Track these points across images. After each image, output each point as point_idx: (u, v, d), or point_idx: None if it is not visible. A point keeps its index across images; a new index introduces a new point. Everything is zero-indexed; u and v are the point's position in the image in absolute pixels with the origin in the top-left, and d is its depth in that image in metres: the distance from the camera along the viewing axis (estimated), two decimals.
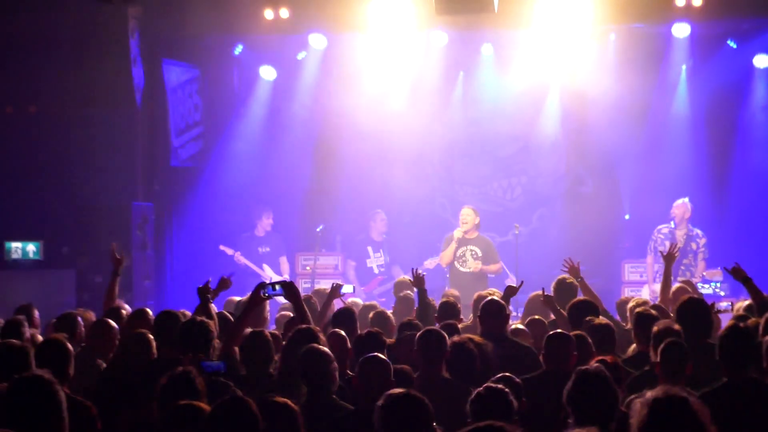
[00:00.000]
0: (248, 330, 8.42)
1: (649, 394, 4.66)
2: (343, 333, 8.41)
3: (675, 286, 12.28)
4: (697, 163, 17.36)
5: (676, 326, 8.26)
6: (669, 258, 11.63)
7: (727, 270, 10.24)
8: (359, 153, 18.16)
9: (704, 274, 15.26)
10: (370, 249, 17.04)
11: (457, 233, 15.72)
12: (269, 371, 7.91)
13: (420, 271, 10.90)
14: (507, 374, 6.82)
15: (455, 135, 18.47)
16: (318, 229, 16.78)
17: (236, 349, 8.17)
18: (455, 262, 15.68)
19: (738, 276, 10.00)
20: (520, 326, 9.99)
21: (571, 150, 18.02)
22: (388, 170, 18.32)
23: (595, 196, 17.93)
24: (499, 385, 6.21)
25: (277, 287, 8.54)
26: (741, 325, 7.54)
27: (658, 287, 12.83)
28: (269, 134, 18.15)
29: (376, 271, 16.88)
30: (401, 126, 18.01)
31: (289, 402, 5.98)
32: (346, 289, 11.67)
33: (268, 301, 9.37)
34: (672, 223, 15.63)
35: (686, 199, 15.67)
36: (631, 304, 10.63)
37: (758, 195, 17.19)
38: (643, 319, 9.04)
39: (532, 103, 17.97)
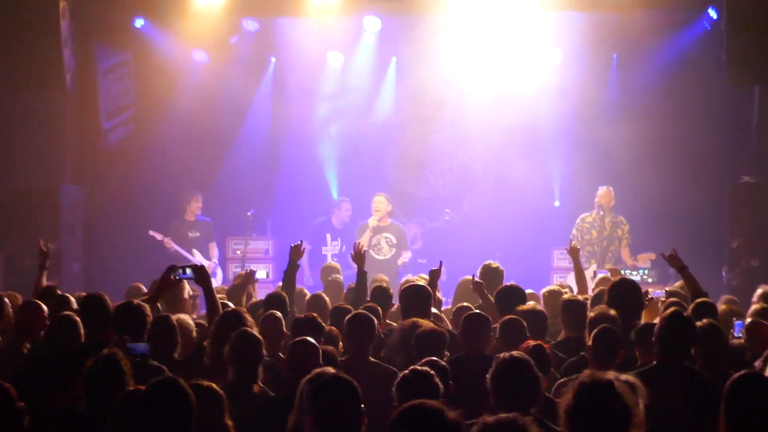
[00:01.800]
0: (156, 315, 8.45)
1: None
2: (279, 314, 8.45)
3: (600, 275, 12.46)
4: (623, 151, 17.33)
5: (612, 312, 8.34)
6: (574, 252, 12.05)
7: (664, 257, 10.30)
8: (291, 137, 18.16)
9: (632, 261, 15.34)
10: (328, 236, 16.77)
11: (372, 222, 15.77)
12: (174, 356, 7.99)
13: (363, 248, 10.92)
14: (433, 358, 6.85)
15: (387, 121, 18.46)
16: (248, 214, 16.72)
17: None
18: (371, 251, 15.56)
19: (675, 263, 10.07)
20: (434, 310, 9.94)
21: (503, 136, 18.03)
22: (319, 155, 18.35)
23: (526, 183, 17.96)
24: (425, 368, 6.24)
25: (188, 271, 8.65)
26: (684, 313, 7.59)
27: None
28: (201, 118, 17.97)
29: (329, 259, 16.15)
30: (333, 111, 18.03)
31: (213, 385, 6.01)
32: (260, 275, 11.71)
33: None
34: (598, 210, 15.66)
35: (609, 187, 15.74)
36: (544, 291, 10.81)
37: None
38: (571, 305, 9.22)
39: (464, 89, 17.95)
